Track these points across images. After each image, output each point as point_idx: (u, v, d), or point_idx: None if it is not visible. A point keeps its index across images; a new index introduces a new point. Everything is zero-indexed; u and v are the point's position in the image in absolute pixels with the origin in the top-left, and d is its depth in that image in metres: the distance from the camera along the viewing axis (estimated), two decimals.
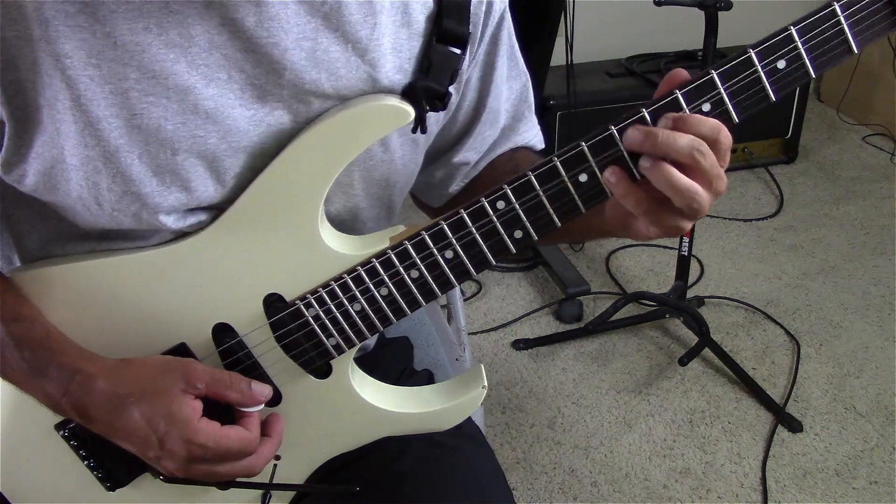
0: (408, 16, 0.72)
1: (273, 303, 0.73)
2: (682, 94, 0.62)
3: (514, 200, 0.67)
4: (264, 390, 0.73)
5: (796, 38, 0.61)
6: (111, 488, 0.78)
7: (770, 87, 0.62)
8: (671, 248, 2.38)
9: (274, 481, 0.80)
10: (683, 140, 0.60)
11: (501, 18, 0.80)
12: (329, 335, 0.74)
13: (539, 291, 2.33)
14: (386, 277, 0.71)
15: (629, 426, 1.85)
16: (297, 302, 0.72)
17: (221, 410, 0.72)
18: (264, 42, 0.66)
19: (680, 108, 0.62)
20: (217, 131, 0.68)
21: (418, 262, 0.70)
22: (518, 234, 0.69)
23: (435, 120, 0.79)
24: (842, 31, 0.60)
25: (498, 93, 0.83)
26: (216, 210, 0.72)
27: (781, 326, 2.13)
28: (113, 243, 0.73)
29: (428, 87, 0.72)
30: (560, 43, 2.18)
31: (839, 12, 0.60)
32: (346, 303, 0.72)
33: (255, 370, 0.75)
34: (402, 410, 0.80)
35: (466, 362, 1.26)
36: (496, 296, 2.31)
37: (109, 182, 0.67)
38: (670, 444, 1.80)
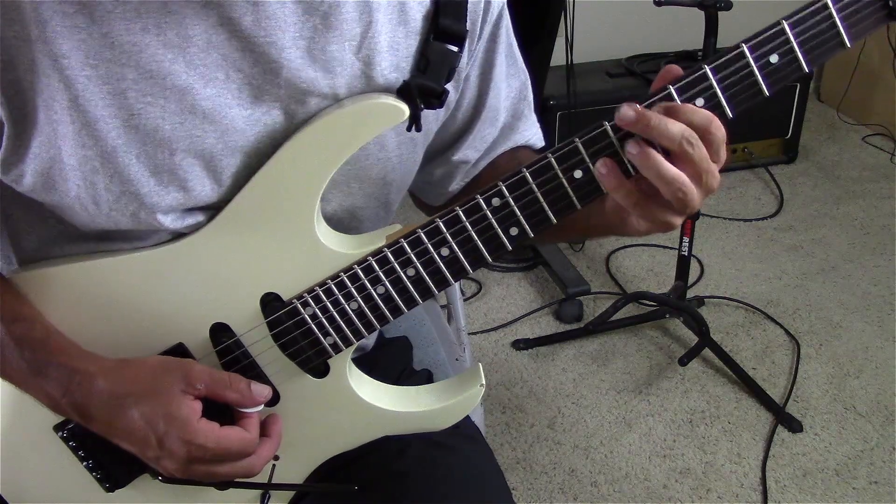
0: (404, 14, 0.72)
1: (270, 302, 0.73)
2: (675, 89, 0.62)
3: (509, 197, 0.67)
4: (263, 391, 0.73)
5: (788, 31, 0.60)
6: (110, 489, 0.78)
7: (763, 81, 0.62)
8: (671, 248, 2.38)
9: (273, 481, 0.80)
10: (674, 127, 0.60)
11: (500, 16, 0.80)
12: (326, 334, 0.74)
13: (539, 291, 2.33)
14: (382, 276, 0.71)
15: (629, 426, 1.85)
16: (294, 301, 0.73)
17: (221, 411, 0.72)
18: (261, 41, 0.66)
19: (672, 101, 0.62)
20: (214, 131, 0.68)
21: (414, 259, 0.71)
22: (514, 230, 0.69)
23: (434, 118, 0.80)
24: (834, 25, 0.60)
25: (497, 91, 0.83)
26: (213, 210, 0.72)
27: (781, 326, 2.13)
28: (111, 244, 0.74)
29: (423, 84, 0.72)
30: (560, 43, 2.19)
31: (831, 5, 0.60)
32: (343, 301, 0.72)
33: (252, 369, 0.76)
34: (399, 409, 0.80)
35: (466, 362, 1.26)
36: (496, 296, 2.31)
37: (107, 182, 0.67)
38: (670, 444, 1.80)
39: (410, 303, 0.73)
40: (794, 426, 1.81)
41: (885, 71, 2.97)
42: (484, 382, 0.80)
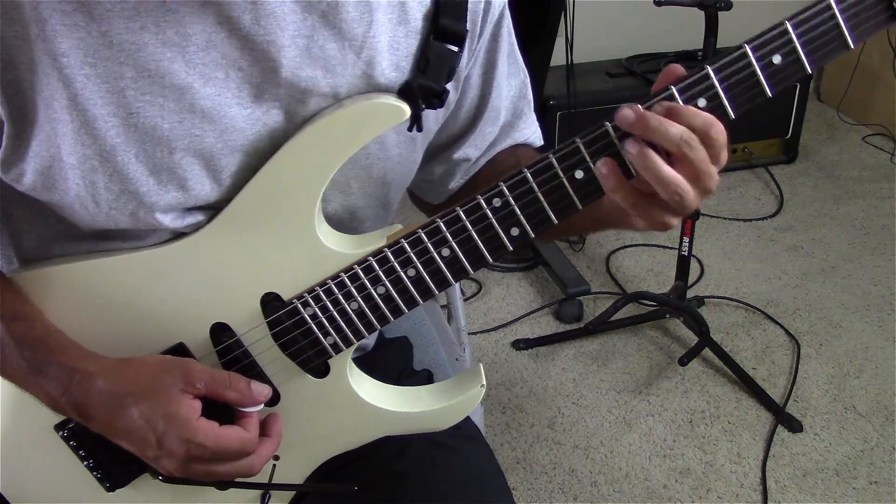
0: (405, 13, 0.72)
1: (270, 302, 0.73)
2: (676, 89, 0.62)
3: (510, 197, 0.67)
4: (263, 390, 0.73)
5: (791, 32, 0.60)
6: (110, 489, 0.78)
7: (766, 81, 0.62)
8: (671, 248, 2.38)
9: (273, 481, 0.80)
10: (674, 129, 0.60)
11: (501, 16, 0.80)
12: (326, 334, 0.74)
13: (539, 291, 2.33)
14: (383, 276, 0.71)
15: (629, 426, 1.85)
16: (295, 301, 0.72)
17: (220, 410, 0.72)
18: (261, 40, 0.66)
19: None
20: (214, 130, 0.68)
21: (415, 260, 0.70)
22: (515, 231, 0.69)
23: (434, 118, 0.79)
24: (837, 26, 0.60)
25: (499, 90, 0.83)
26: (213, 209, 0.72)
27: (781, 326, 2.13)
28: (111, 243, 0.74)
29: (424, 85, 0.72)
30: (560, 43, 2.18)
31: (834, 6, 0.60)
32: (343, 301, 0.72)
33: (252, 369, 0.75)
34: (400, 410, 0.79)
35: (466, 362, 1.26)
36: (496, 296, 2.31)
37: (106, 181, 0.67)
38: (670, 444, 1.80)
39: (411, 303, 0.72)
40: (794, 426, 1.81)
41: (885, 71, 2.97)
42: (485, 383, 0.79)
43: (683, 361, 1.92)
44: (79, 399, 0.69)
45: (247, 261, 0.72)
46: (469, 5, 0.75)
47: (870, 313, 2.17)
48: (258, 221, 0.71)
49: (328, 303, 0.72)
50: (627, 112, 0.61)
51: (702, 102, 0.62)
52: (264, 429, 0.75)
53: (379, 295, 0.72)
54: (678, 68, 0.63)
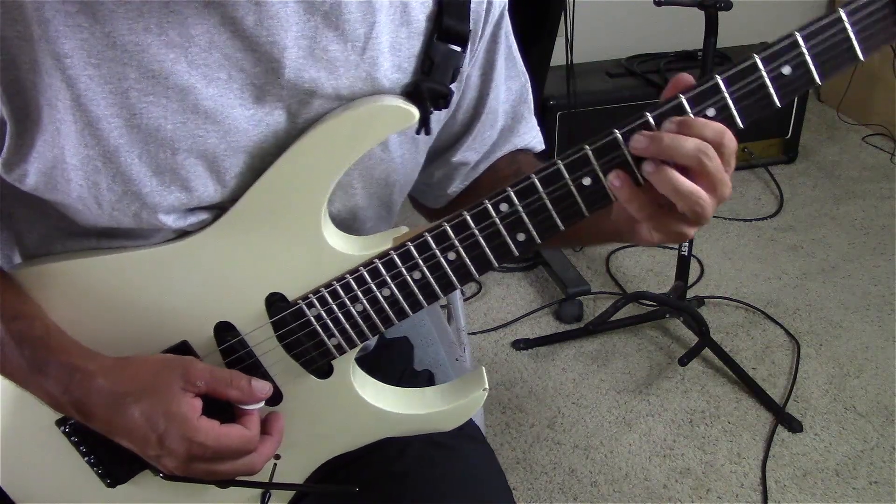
0: (407, 14, 0.72)
1: (275, 302, 0.73)
2: (686, 99, 0.62)
3: (518, 202, 0.67)
4: (264, 388, 0.73)
5: (802, 44, 0.60)
6: (111, 485, 0.78)
7: (775, 92, 0.62)
8: (671, 248, 2.38)
9: (274, 481, 0.80)
10: (689, 144, 0.60)
11: (501, 17, 0.80)
12: (331, 335, 0.73)
13: (539, 291, 2.33)
14: (388, 278, 0.71)
15: (629, 426, 1.85)
16: (300, 301, 0.72)
17: (222, 409, 0.72)
18: (264, 41, 0.66)
19: (684, 113, 0.62)
20: (217, 131, 0.68)
21: (421, 263, 0.70)
22: (521, 236, 0.68)
23: (436, 119, 0.79)
24: (847, 39, 0.60)
25: (497, 93, 0.83)
26: (216, 210, 0.72)
27: (781, 326, 2.13)
28: (114, 242, 0.74)
29: (432, 87, 0.72)
30: (560, 43, 2.18)
31: (845, 19, 0.59)
32: (348, 303, 0.72)
33: (256, 369, 0.75)
34: (402, 411, 0.79)
35: (466, 362, 1.26)
36: (496, 296, 2.31)
37: (109, 182, 0.67)
38: (670, 444, 1.80)
39: (416, 306, 0.72)
40: (794, 426, 1.81)
41: (885, 71, 2.97)
42: (487, 387, 0.79)
43: (683, 361, 1.92)
44: (79, 398, 0.69)
45: (252, 260, 0.72)
46: (472, 5, 0.75)
47: (870, 313, 2.17)
48: (264, 221, 0.71)
49: (333, 304, 0.72)
50: (639, 138, 0.61)
51: (711, 112, 0.62)
52: (265, 427, 0.75)
53: (384, 297, 0.72)
54: (687, 77, 0.63)
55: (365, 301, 0.72)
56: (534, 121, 0.90)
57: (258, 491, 0.81)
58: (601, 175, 0.64)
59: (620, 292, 2.30)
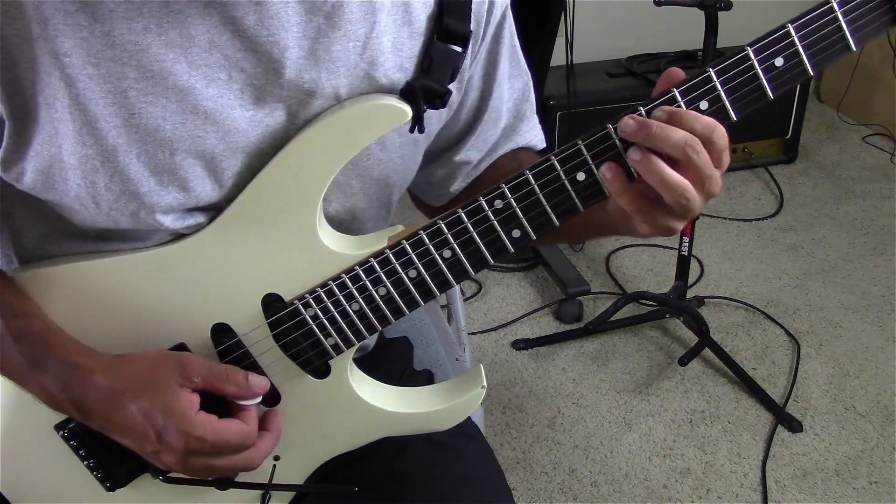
0: (408, 14, 0.72)
1: (271, 303, 0.73)
2: (678, 92, 0.62)
3: (512, 198, 0.67)
4: (261, 383, 0.73)
5: (794, 35, 0.60)
6: (111, 488, 0.78)
7: (768, 84, 0.62)
8: (671, 248, 2.38)
9: (273, 481, 0.80)
10: (677, 135, 0.60)
11: (503, 17, 0.80)
12: (327, 335, 0.74)
13: (539, 291, 2.33)
14: (384, 277, 0.71)
15: (629, 426, 1.85)
16: (296, 302, 0.72)
17: (220, 405, 0.72)
18: (264, 41, 0.66)
19: (677, 106, 0.62)
20: (216, 132, 0.68)
21: (416, 261, 0.70)
22: (516, 233, 0.69)
23: (436, 118, 0.79)
24: (839, 28, 0.60)
25: (500, 92, 0.83)
26: (214, 210, 0.72)
27: (781, 326, 2.13)
28: (111, 243, 0.74)
29: (427, 86, 0.72)
30: (560, 43, 2.18)
31: (836, 9, 0.60)
32: (345, 303, 0.72)
33: (253, 370, 0.75)
34: (400, 410, 0.79)
35: (466, 362, 1.26)
36: (496, 296, 2.31)
37: (107, 181, 0.67)
38: (670, 444, 1.80)
39: (412, 304, 0.72)
40: (794, 426, 1.81)
41: (885, 71, 2.97)
42: (485, 384, 0.79)
43: (683, 361, 1.92)
44: (77, 395, 0.69)
45: (248, 261, 0.72)
46: (473, 6, 0.75)
47: (870, 313, 2.17)
48: (260, 222, 0.71)
49: (329, 304, 0.72)
50: (628, 121, 0.62)
51: (704, 105, 0.62)
52: (264, 423, 0.75)
53: (380, 296, 0.72)
54: (678, 72, 0.63)
55: (361, 300, 0.72)
56: (536, 119, 0.90)
57: (258, 492, 0.81)
58: (594, 169, 0.65)
59: (620, 292, 2.30)
